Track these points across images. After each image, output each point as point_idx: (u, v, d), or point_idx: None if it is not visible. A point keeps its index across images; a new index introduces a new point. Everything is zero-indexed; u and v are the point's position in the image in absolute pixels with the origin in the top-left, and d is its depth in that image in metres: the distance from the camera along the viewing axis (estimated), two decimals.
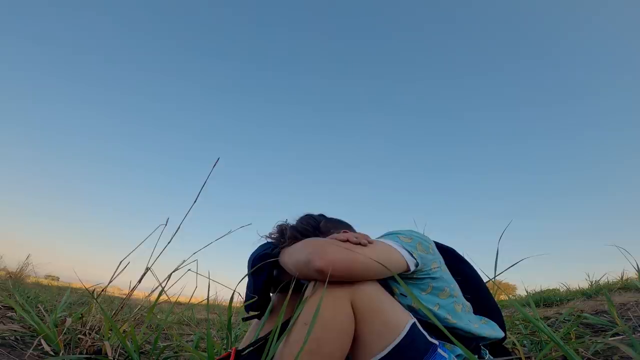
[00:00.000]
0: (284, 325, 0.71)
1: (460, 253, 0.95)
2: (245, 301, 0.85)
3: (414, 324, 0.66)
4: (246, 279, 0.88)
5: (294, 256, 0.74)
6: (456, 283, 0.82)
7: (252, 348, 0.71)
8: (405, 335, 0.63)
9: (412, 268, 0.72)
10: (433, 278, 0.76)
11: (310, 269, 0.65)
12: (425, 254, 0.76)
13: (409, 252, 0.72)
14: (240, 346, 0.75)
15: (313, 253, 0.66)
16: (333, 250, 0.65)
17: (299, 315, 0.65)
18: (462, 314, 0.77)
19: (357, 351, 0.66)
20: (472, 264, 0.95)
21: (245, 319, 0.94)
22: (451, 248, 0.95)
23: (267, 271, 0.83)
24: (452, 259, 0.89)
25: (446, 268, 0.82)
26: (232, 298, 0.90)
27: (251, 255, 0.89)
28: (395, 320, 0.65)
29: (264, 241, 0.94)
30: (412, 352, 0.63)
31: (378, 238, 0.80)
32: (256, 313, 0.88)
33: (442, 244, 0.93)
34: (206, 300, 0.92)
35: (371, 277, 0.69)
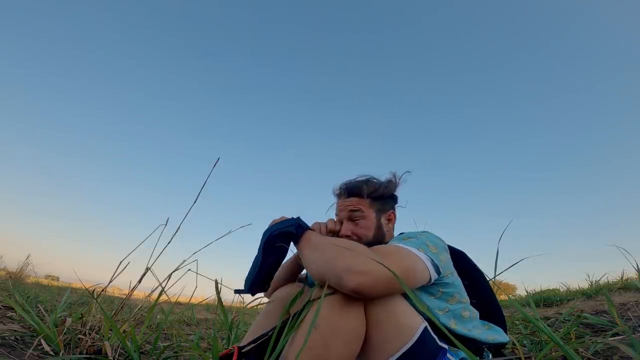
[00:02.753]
0: (286, 323, 0.70)
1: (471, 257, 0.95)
2: (247, 279, 0.79)
3: (425, 328, 0.65)
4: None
5: (322, 258, 0.67)
6: (464, 288, 0.81)
7: (253, 345, 0.70)
8: (417, 339, 0.62)
9: (432, 280, 0.71)
10: (445, 284, 0.75)
11: (344, 285, 0.59)
12: (445, 263, 0.75)
13: (434, 264, 0.70)
14: (242, 343, 0.74)
15: (353, 270, 0.59)
16: (373, 266, 0.60)
17: (308, 317, 0.61)
18: (467, 320, 0.76)
19: (367, 354, 0.64)
20: (478, 266, 0.94)
21: (237, 292, 0.85)
22: (462, 252, 0.94)
23: (280, 252, 0.77)
24: (461, 262, 0.88)
25: (457, 273, 0.81)
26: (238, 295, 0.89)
27: (269, 229, 0.79)
28: (407, 324, 0.63)
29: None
30: (423, 357, 0.61)
31: (406, 237, 0.77)
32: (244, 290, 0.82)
33: (452, 247, 0.92)
34: (206, 301, 0.92)
35: (400, 291, 0.66)
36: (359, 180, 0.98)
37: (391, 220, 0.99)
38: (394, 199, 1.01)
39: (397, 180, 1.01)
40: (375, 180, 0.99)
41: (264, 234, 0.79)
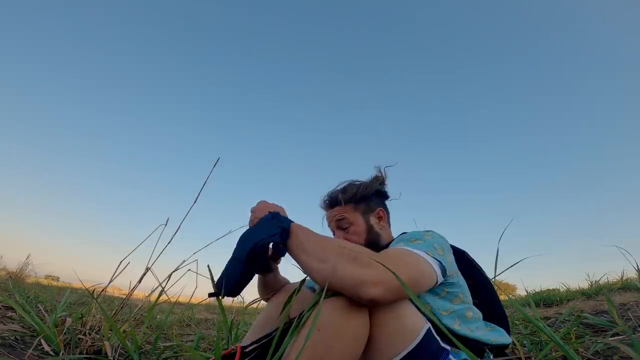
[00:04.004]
0: (288, 324, 0.69)
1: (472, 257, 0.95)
2: (220, 281, 0.72)
3: (429, 329, 0.64)
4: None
5: (327, 269, 0.62)
6: (468, 289, 0.81)
7: (256, 345, 0.69)
8: (420, 341, 0.61)
9: (439, 282, 0.70)
10: (450, 284, 0.75)
11: (359, 294, 0.57)
12: (450, 264, 0.75)
13: (442, 267, 0.70)
14: (243, 343, 0.73)
15: (368, 280, 0.57)
16: (385, 277, 0.58)
17: (310, 319, 0.60)
18: (471, 321, 0.76)
19: (369, 355, 0.63)
20: (480, 266, 0.94)
21: (211, 295, 0.75)
22: (464, 251, 0.94)
23: (262, 262, 0.74)
24: (463, 262, 0.88)
25: (460, 273, 0.81)
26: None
27: (252, 235, 0.72)
28: (411, 325, 0.63)
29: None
30: (426, 358, 0.61)
31: (413, 239, 0.75)
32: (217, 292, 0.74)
33: (454, 247, 0.92)
34: (206, 301, 0.92)
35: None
36: (337, 189, 1.00)
37: (382, 218, 0.99)
38: (379, 196, 1.01)
39: (383, 174, 1.02)
40: (355, 183, 1.00)
41: (246, 240, 0.71)
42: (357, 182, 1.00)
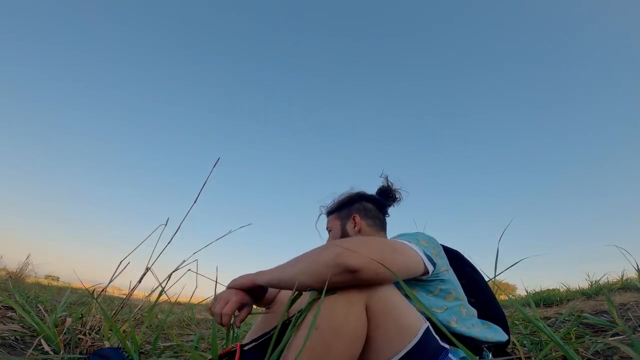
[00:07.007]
0: (286, 323, 0.69)
1: (466, 256, 0.95)
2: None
3: (427, 328, 0.64)
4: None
5: (304, 265, 0.64)
6: (460, 286, 0.81)
7: (255, 343, 0.69)
8: (419, 340, 0.61)
9: (430, 272, 0.71)
10: (442, 280, 0.75)
11: (341, 266, 0.57)
12: (438, 257, 0.75)
13: (428, 256, 0.71)
14: (244, 342, 0.74)
15: (343, 251, 0.59)
16: (366, 250, 0.60)
17: (308, 318, 0.60)
18: (466, 317, 0.76)
19: (368, 355, 0.63)
20: (476, 266, 0.95)
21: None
22: (457, 251, 0.94)
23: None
24: (457, 262, 0.89)
25: (451, 270, 0.82)
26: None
27: None
28: (409, 324, 0.63)
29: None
30: (425, 357, 0.61)
31: (396, 237, 0.78)
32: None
33: (447, 247, 0.92)
34: (206, 301, 0.92)
35: (396, 269, 0.62)
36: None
37: (357, 223, 1.02)
38: (356, 203, 1.07)
39: (387, 184, 1.11)
40: (340, 195, 1.11)
41: None
42: (342, 194, 1.12)
